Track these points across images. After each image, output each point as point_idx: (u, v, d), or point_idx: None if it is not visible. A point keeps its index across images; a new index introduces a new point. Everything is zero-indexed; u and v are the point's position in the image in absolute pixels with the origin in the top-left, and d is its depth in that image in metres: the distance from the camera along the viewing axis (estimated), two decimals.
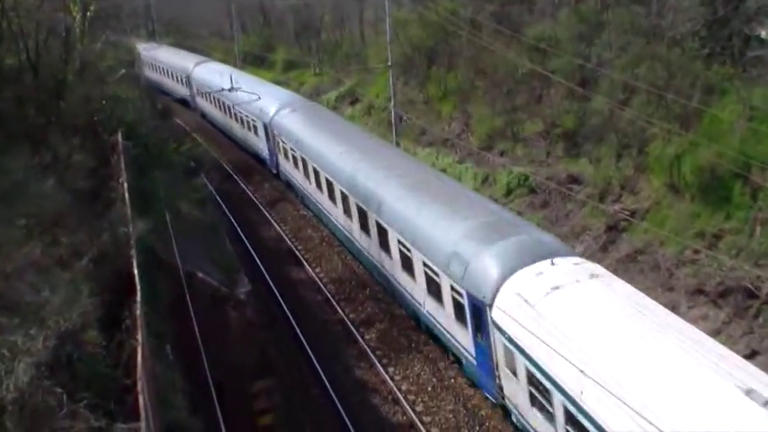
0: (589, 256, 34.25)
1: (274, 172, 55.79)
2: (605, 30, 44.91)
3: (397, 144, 49.94)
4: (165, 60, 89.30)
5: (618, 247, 36.44)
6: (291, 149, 48.64)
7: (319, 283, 40.16)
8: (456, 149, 51.46)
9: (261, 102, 55.17)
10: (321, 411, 30.19)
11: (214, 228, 36.25)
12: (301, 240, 46.32)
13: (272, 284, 39.94)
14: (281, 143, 51.15)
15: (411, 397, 30.28)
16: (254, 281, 36.40)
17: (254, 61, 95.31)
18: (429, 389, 30.68)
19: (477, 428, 28.00)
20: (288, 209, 51.82)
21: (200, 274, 26.55)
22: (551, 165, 43.82)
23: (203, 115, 76.53)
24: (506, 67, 49.30)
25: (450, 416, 28.91)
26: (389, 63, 49.56)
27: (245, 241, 45.74)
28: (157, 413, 17.18)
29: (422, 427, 28.15)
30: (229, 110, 64.30)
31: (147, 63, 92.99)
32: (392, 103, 50.43)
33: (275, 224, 49.18)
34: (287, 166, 51.49)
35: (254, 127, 57.27)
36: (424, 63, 60.58)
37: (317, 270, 41.88)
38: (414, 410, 29.26)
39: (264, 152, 56.78)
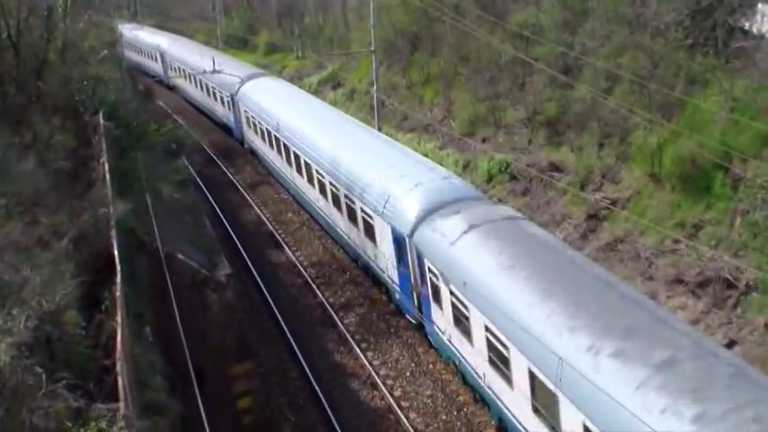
0: (569, 243, 34.41)
1: (414, 322, 32.26)
2: (589, 18, 44.93)
3: (379, 129, 49.87)
4: (198, 67, 63.51)
5: (598, 236, 36.56)
6: (490, 330, 23.68)
7: (299, 266, 40.20)
8: (438, 135, 51.45)
9: (382, 177, 33.26)
10: (300, 395, 30.30)
11: (195, 210, 36.08)
12: (282, 224, 46.30)
13: (252, 267, 39.95)
14: (443, 291, 27.07)
15: (389, 382, 30.40)
16: (235, 264, 36.35)
17: (237, 44, 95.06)
18: (407, 374, 30.80)
19: (455, 413, 28.12)
20: (269, 192, 51.78)
21: (181, 256, 26.41)
22: (533, 152, 43.89)
23: (252, 152, 57.07)
24: (489, 54, 49.29)
25: (429, 401, 29.04)
26: (372, 48, 49.44)
27: (226, 224, 45.71)
28: (136, 394, 17.15)
29: (400, 412, 28.26)
30: (308, 169, 41.80)
31: (173, 66, 76.75)
32: (374, 87, 50.37)
33: (256, 207, 49.15)
34: (451, 332, 27.70)
35: (368, 225, 33.75)
36: (408, 48, 60.51)
37: (298, 254, 41.90)
38: (392, 395, 29.38)
39: (391, 275, 32.74)
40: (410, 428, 27.34)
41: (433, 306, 28.46)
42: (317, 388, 29.95)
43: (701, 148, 32.64)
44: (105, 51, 42.81)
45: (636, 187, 36.83)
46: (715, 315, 29.64)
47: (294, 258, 41.22)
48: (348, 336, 33.40)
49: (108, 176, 25.33)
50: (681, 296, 31.20)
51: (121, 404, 14.48)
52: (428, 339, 31.13)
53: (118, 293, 18.64)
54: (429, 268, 27.75)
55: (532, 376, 21.48)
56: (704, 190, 33.25)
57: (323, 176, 39.10)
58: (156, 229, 25.46)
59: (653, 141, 35.92)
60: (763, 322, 28.07)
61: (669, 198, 34.67)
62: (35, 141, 26.79)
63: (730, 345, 27.99)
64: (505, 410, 24.09)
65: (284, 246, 42.91)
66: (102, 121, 31.76)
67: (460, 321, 26.06)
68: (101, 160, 27.26)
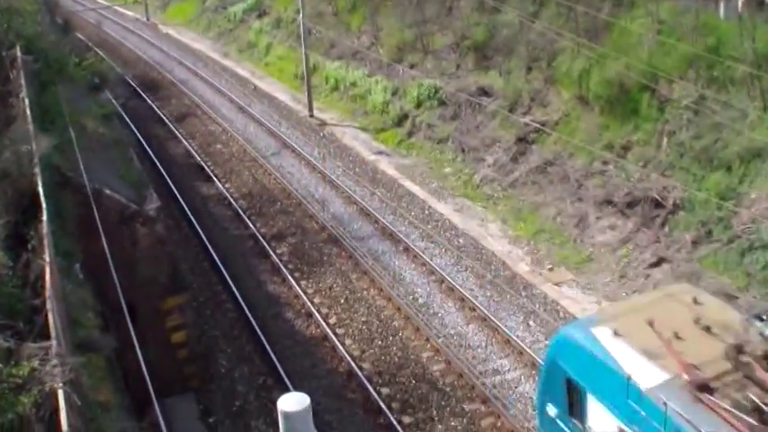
0: (500, 167, 34.64)
1: None
2: None
3: (306, 57, 49.28)
4: None
5: (528, 159, 36.77)
6: None
7: (230, 198, 39.91)
8: (366, 62, 51.10)
9: None
10: (234, 326, 30.23)
11: (121, 144, 35.43)
12: (210, 156, 45.87)
13: (181, 200, 39.56)
14: None
15: (324, 310, 30.48)
16: (164, 197, 35.92)
17: None
18: (342, 301, 30.92)
19: (391, 338, 28.33)
20: (196, 124, 51.12)
21: (108, 192, 25.96)
22: (461, 77, 43.79)
23: None
24: None
25: (364, 327, 29.21)
26: None
27: (154, 158, 45.07)
28: (68, 332, 16.94)
29: (335, 339, 28.36)
30: None
31: None
32: (301, 15, 49.69)
33: (183, 140, 48.52)
34: None
35: None
36: None
37: (227, 185, 41.61)
38: (327, 323, 29.45)
39: None
40: (346, 355, 27.45)
41: None
42: (251, 319, 29.90)
43: (628, 71, 32.84)
44: None
45: (564, 110, 37.03)
46: (644, 234, 30.13)
47: (224, 190, 40.89)
48: (281, 265, 33.34)
49: (29, 112, 24.70)
50: (610, 216, 31.63)
51: (53, 342, 14.28)
52: None
53: (44, 231, 18.30)
54: None
55: None
56: (632, 112, 33.54)
57: None
58: (81, 164, 24.93)
59: (580, 64, 36.05)
60: (689, 239, 28.61)
61: (597, 120, 34.93)
62: None
63: (659, 262, 28.57)
64: None
65: (213, 178, 42.53)
66: (19, 54, 30.90)
67: None
68: (20, 95, 26.55)
